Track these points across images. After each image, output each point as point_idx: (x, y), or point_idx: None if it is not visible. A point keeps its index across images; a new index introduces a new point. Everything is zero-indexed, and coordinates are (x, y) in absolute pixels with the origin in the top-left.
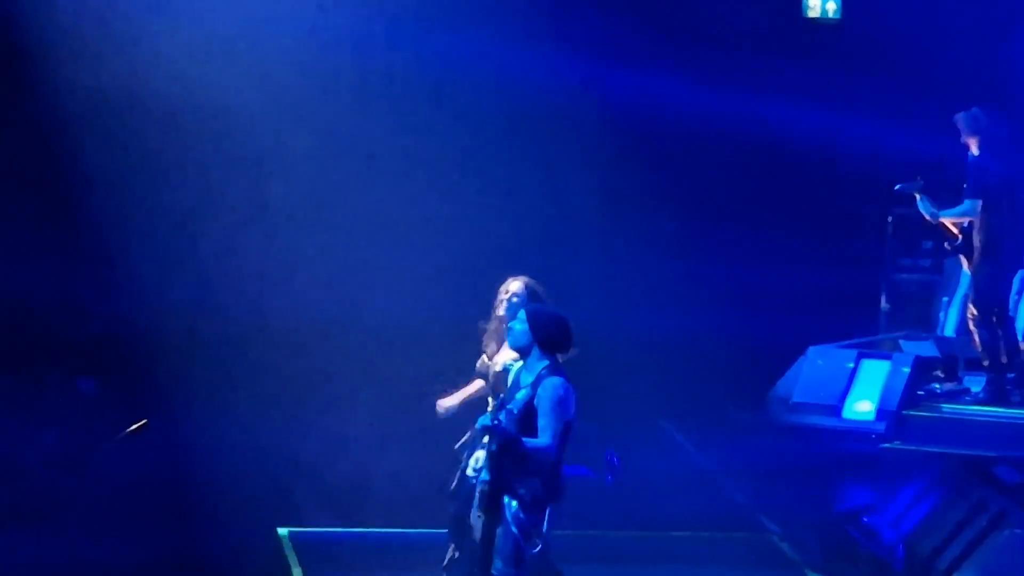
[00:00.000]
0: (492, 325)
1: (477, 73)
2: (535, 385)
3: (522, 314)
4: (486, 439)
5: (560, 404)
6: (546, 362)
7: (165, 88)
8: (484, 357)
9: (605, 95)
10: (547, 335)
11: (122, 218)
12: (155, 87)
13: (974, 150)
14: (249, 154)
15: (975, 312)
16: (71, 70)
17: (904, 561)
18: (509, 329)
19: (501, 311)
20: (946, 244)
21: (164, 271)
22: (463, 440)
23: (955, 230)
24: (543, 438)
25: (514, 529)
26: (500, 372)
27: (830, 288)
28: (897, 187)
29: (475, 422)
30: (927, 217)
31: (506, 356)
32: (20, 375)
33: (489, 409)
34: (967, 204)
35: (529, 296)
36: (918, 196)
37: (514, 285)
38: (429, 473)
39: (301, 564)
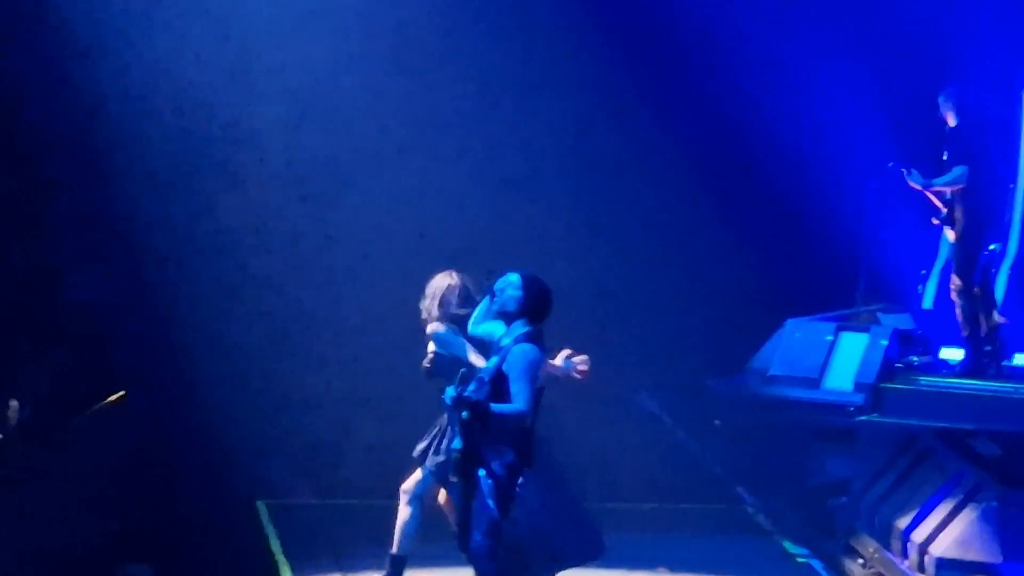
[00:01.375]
0: None
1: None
2: (506, 351)
3: (516, 279)
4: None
5: (530, 368)
6: (526, 330)
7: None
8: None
9: (586, 59)
10: (537, 304)
11: (95, 183)
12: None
13: (951, 121)
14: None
15: (958, 283)
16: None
17: (880, 533)
18: (498, 292)
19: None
20: (932, 218)
21: (140, 238)
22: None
23: (939, 203)
24: (516, 403)
25: (489, 502)
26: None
27: (808, 260)
28: (890, 164)
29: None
30: (918, 187)
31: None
32: None
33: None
34: (957, 171)
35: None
36: (905, 170)
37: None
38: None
39: (279, 535)
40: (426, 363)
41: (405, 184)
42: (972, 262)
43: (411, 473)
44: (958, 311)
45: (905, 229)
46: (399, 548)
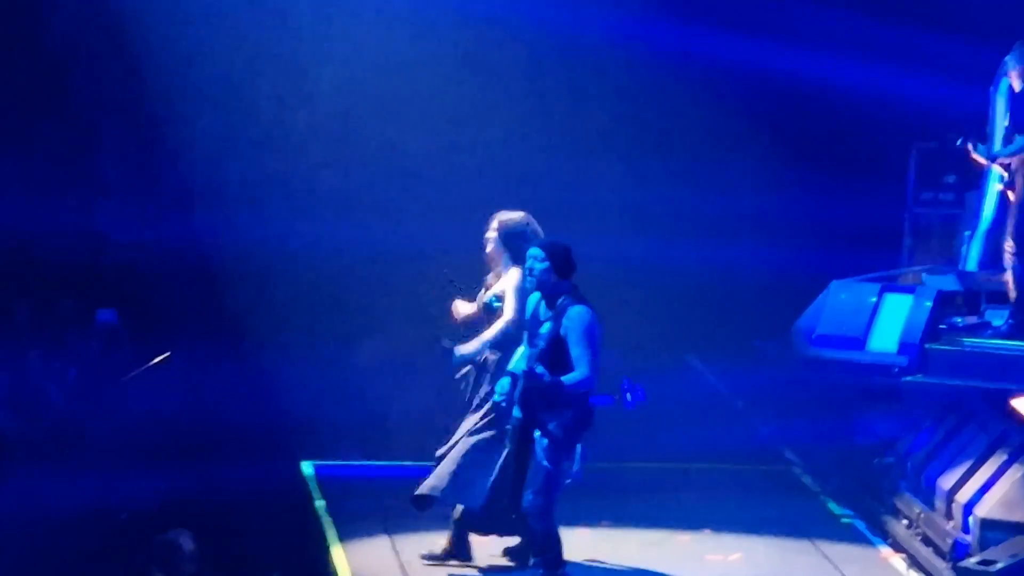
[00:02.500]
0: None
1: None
2: (559, 316)
3: (538, 252)
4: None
5: (589, 332)
6: (566, 290)
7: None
8: (482, 291)
9: (625, 31)
10: (564, 261)
11: (144, 148)
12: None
13: (1016, 85)
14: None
15: (1012, 244)
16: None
17: (925, 494)
18: (529, 271)
19: (487, 250)
20: (997, 184)
21: (186, 202)
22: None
23: (1003, 170)
24: (580, 369)
25: (546, 463)
26: (483, 305)
27: (853, 222)
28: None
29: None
30: (983, 160)
31: (493, 290)
32: (40, 307)
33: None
34: (1020, 141)
35: (503, 235)
36: (971, 145)
37: (493, 224)
38: (447, 407)
39: (324, 496)
40: (485, 299)
41: (458, 156)
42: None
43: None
44: (1008, 274)
45: (949, 190)
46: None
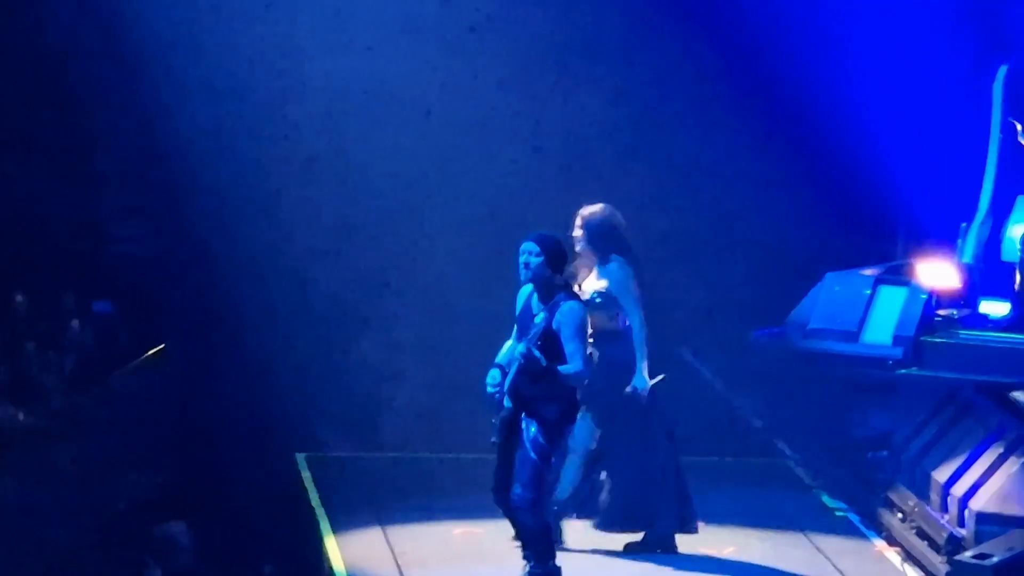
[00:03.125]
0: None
1: None
2: (552, 309)
3: (532, 246)
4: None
5: (582, 327)
6: (560, 284)
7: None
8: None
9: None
10: (558, 255)
11: (139, 139)
12: None
13: None
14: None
15: None
16: None
17: (920, 487)
18: (524, 265)
19: (578, 248)
20: None
21: (184, 192)
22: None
23: None
24: (574, 363)
25: (533, 455)
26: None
27: (848, 213)
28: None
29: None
30: None
31: (591, 285)
32: (37, 297)
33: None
34: None
35: (591, 230)
36: (1021, 126)
37: (579, 221)
38: (442, 397)
39: (318, 487)
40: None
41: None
42: None
43: None
44: (1021, 266)
45: (946, 181)
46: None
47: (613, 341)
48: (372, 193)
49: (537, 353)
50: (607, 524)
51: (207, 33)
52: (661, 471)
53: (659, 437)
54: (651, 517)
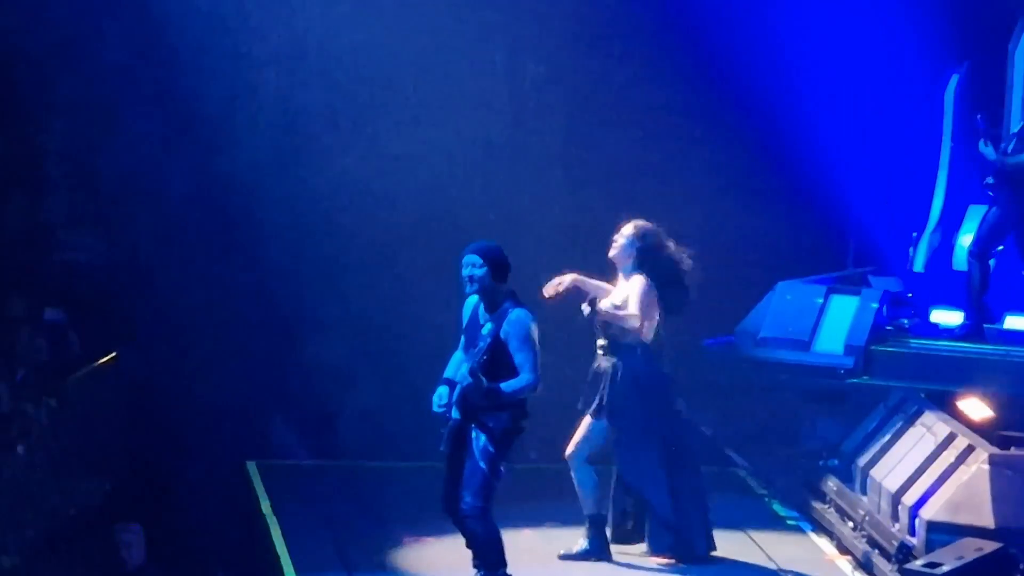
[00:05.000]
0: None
1: None
2: (498, 319)
3: (475, 258)
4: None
5: (530, 336)
6: (504, 293)
7: None
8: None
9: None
10: (502, 264)
11: (90, 144)
12: None
13: None
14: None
15: (977, 248)
16: None
17: (871, 496)
18: (468, 278)
19: (612, 253)
20: (987, 180)
21: (134, 199)
22: None
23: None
24: (524, 375)
25: (482, 464)
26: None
27: (799, 223)
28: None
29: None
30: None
31: (610, 298)
32: None
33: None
34: None
35: (641, 242)
36: (984, 141)
37: (627, 229)
38: (400, 408)
39: (269, 495)
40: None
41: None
42: (1000, 230)
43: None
44: (970, 276)
45: (896, 191)
46: (590, 509)
47: (632, 354)
48: (324, 199)
49: (481, 376)
50: (659, 548)
51: (153, 42)
52: (692, 489)
53: (688, 454)
54: (690, 537)
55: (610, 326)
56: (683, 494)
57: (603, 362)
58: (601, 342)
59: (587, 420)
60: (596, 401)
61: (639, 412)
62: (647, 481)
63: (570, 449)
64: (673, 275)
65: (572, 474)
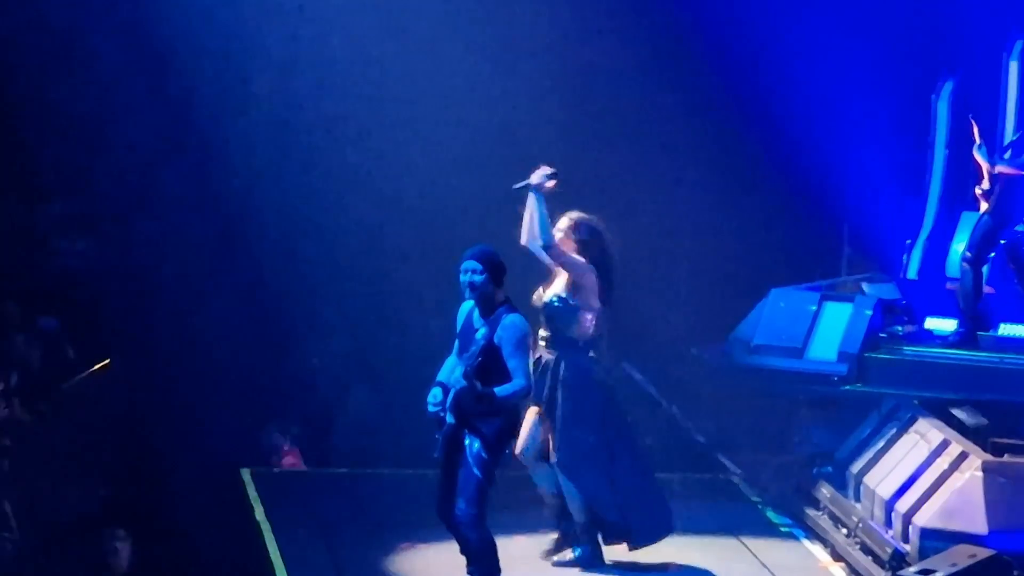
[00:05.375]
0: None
1: None
2: (493, 324)
3: (474, 264)
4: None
5: (524, 342)
6: (501, 299)
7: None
8: (540, 290)
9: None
10: (498, 270)
11: (84, 153)
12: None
13: None
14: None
15: (971, 254)
16: None
17: (864, 503)
18: (468, 284)
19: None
20: (977, 188)
21: (128, 205)
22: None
23: (988, 177)
24: (517, 380)
25: (476, 470)
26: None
27: (793, 229)
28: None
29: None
30: (984, 164)
31: (553, 289)
32: None
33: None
34: None
35: (576, 233)
36: (977, 142)
37: (563, 222)
38: (395, 414)
39: (263, 503)
40: (545, 299)
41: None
42: (994, 237)
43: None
44: (966, 281)
45: (890, 198)
46: (581, 516)
47: (574, 347)
48: (319, 209)
49: (475, 379)
50: (627, 538)
51: (147, 47)
52: (635, 477)
53: (629, 442)
54: (639, 525)
55: (555, 318)
56: (624, 484)
57: (546, 354)
58: (544, 333)
59: (532, 415)
60: (547, 395)
61: (580, 406)
62: (585, 474)
63: (519, 448)
64: (610, 266)
65: (532, 473)
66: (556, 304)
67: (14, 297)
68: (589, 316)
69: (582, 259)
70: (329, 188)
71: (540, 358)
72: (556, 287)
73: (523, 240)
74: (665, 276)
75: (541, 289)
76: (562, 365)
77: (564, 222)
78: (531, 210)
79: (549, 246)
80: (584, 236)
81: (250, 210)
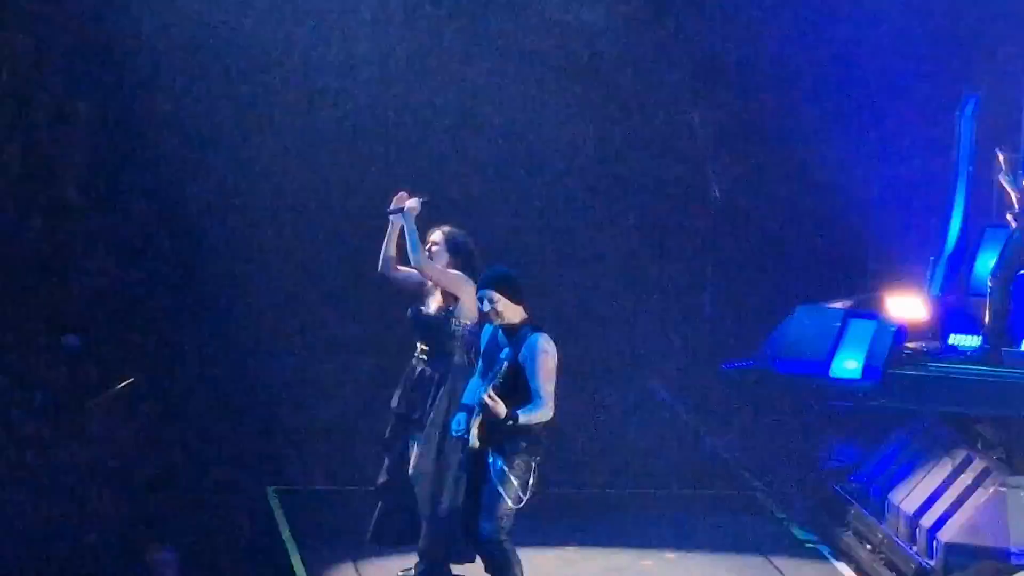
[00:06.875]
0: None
1: None
2: (518, 343)
3: (490, 294)
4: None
5: (551, 363)
6: (523, 317)
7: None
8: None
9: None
10: (516, 290)
11: (109, 170)
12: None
13: None
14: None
15: (1000, 273)
16: None
17: (888, 518)
18: (491, 312)
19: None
20: (1008, 214)
21: (152, 226)
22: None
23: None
24: (539, 402)
25: (500, 489)
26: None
27: (819, 246)
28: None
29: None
30: (1012, 191)
31: (433, 304)
32: (4, 332)
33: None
34: None
35: (449, 246)
36: (1004, 169)
37: (436, 236)
38: None
39: (289, 522)
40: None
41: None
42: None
43: None
44: (991, 299)
45: (914, 214)
46: None
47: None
48: (345, 217)
49: (497, 400)
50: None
51: (172, 65)
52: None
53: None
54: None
55: (431, 332)
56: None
57: (426, 369)
58: (423, 347)
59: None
60: (430, 411)
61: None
62: (439, 490)
63: (412, 468)
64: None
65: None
66: (439, 318)
67: (39, 316)
68: (469, 328)
69: (459, 272)
70: (348, 204)
71: (422, 371)
72: (434, 302)
73: (380, 267)
74: (691, 295)
75: (417, 305)
76: (437, 380)
77: (437, 235)
78: (398, 234)
79: (422, 264)
80: (459, 249)
81: (276, 233)
